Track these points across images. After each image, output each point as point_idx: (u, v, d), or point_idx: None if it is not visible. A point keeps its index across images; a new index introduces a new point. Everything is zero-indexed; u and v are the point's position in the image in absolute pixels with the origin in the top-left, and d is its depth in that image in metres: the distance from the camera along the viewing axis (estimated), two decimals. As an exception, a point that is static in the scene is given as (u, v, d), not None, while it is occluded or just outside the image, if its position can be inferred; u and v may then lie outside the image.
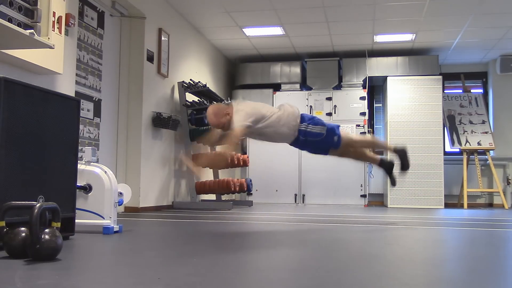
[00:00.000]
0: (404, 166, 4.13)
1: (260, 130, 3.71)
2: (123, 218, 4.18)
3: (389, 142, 4.41)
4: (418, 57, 7.77)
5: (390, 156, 4.47)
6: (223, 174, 7.53)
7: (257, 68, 8.12)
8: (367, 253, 2.23)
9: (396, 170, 4.22)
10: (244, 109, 3.69)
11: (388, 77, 7.73)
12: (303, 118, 3.88)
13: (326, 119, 7.64)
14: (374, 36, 7.13)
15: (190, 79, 6.11)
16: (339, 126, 4.03)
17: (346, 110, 7.72)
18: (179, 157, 3.52)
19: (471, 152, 7.72)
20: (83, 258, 2.05)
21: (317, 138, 3.85)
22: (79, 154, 2.74)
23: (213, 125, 3.76)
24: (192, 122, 6.14)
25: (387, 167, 4.23)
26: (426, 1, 5.80)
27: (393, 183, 4.27)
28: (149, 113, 5.43)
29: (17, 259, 1.88)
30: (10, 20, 2.84)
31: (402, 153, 4.16)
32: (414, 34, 7.04)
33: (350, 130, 7.55)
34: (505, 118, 8.15)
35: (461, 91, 8.27)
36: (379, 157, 4.31)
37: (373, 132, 8.34)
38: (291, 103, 3.93)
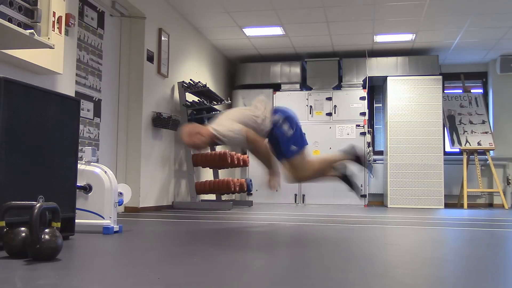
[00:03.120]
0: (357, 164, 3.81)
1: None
2: (123, 218, 4.18)
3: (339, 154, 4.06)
4: (418, 57, 7.77)
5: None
6: (223, 174, 7.53)
7: (257, 68, 8.12)
8: (367, 253, 2.23)
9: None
10: (225, 116, 3.65)
11: (388, 77, 7.73)
12: (276, 110, 3.73)
13: (326, 119, 7.71)
14: (374, 36, 7.14)
15: (190, 79, 6.11)
16: (305, 146, 3.77)
17: (346, 110, 7.72)
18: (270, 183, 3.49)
19: (471, 152, 7.72)
20: (83, 258, 2.05)
21: (282, 137, 3.61)
22: (79, 154, 2.74)
23: (186, 144, 3.75)
24: (192, 122, 6.14)
25: (346, 176, 3.87)
26: (426, 1, 5.80)
27: (352, 187, 3.87)
28: (149, 113, 5.43)
29: (17, 259, 1.88)
30: (10, 20, 2.84)
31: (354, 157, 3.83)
32: (414, 34, 7.04)
33: (350, 130, 7.55)
34: (505, 118, 8.16)
35: (461, 91, 8.27)
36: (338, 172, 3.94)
37: (373, 132, 8.34)
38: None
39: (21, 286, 1.41)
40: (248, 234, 3.06)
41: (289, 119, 3.76)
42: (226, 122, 3.65)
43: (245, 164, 6.72)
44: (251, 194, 7.54)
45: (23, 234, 1.92)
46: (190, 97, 6.24)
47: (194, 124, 3.89)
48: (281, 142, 3.65)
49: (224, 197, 7.02)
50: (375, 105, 8.79)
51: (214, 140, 3.66)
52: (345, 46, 7.65)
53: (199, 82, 6.06)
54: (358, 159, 3.89)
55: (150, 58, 5.44)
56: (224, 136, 3.57)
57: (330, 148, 7.51)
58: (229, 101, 6.65)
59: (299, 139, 3.74)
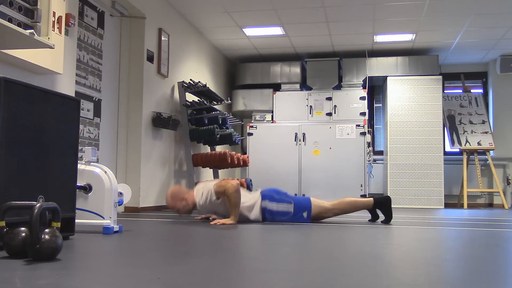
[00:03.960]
0: (388, 218, 3.94)
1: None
2: (123, 218, 4.18)
3: (368, 199, 4.17)
4: (418, 57, 7.77)
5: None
6: (223, 174, 7.53)
7: (257, 68, 8.13)
8: (367, 253, 2.23)
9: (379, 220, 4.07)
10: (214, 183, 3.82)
11: (388, 77, 7.73)
12: (264, 195, 3.89)
13: (326, 119, 7.71)
14: (374, 36, 7.14)
15: (190, 79, 6.11)
16: (309, 199, 3.95)
17: (346, 110, 7.72)
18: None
19: (471, 152, 7.72)
20: (83, 258, 2.05)
21: (284, 217, 3.89)
22: (79, 154, 2.74)
23: (169, 206, 3.90)
24: (192, 122, 6.14)
25: (384, 204, 3.98)
26: (426, 1, 5.80)
27: (390, 218, 3.97)
28: (149, 113, 5.43)
29: (17, 259, 1.88)
30: (10, 20, 2.84)
31: (385, 205, 3.97)
32: (414, 34, 7.04)
33: (350, 130, 7.56)
34: (505, 118, 8.16)
35: (461, 91, 8.27)
36: (371, 199, 4.07)
37: (373, 132, 8.34)
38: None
39: (21, 286, 1.41)
40: (248, 234, 3.06)
41: (278, 198, 3.92)
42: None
43: (245, 164, 6.72)
44: (251, 194, 7.54)
45: (23, 234, 1.92)
46: (190, 97, 6.24)
47: (180, 188, 4.00)
48: (295, 220, 3.89)
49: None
50: (375, 105, 8.79)
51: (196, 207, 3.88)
52: (345, 46, 7.65)
53: (199, 82, 6.06)
54: (385, 206, 3.96)
55: (150, 58, 5.44)
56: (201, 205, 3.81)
57: (330, 148, 7.51)
58: (229, 101, 6.65)
59: (300, 204, 3.90)
